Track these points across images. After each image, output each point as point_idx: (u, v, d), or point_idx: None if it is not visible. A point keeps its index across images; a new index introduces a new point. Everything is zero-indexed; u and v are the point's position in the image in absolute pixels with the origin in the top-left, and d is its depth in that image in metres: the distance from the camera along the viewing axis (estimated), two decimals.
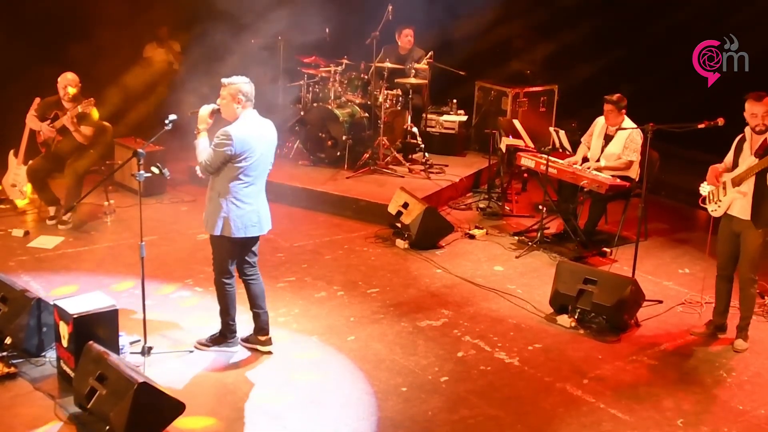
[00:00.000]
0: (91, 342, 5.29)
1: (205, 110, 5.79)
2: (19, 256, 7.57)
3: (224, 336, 6.13)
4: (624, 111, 8.18)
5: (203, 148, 5.74)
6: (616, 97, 8.16)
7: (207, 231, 5.90)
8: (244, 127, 5.69)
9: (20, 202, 8.67)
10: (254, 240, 6.01)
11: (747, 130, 6.33)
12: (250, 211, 5.83)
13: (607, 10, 11.32)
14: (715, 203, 6.48)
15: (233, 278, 6.02)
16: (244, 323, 6.21)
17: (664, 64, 10.63)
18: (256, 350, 6.13)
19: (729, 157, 6.47)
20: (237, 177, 5.72)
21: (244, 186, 5.77)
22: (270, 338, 6.16)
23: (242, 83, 5.71)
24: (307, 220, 8.93)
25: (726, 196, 6.39)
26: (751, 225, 6.27)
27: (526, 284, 7.54)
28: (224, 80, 5.76)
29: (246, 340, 6.19)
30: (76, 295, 5.93)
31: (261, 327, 6.13)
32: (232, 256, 5.96)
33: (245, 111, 5.74)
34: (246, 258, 6.04)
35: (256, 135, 5.74)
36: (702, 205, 6.64)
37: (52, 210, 8.35)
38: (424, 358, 6.19)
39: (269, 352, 6.11)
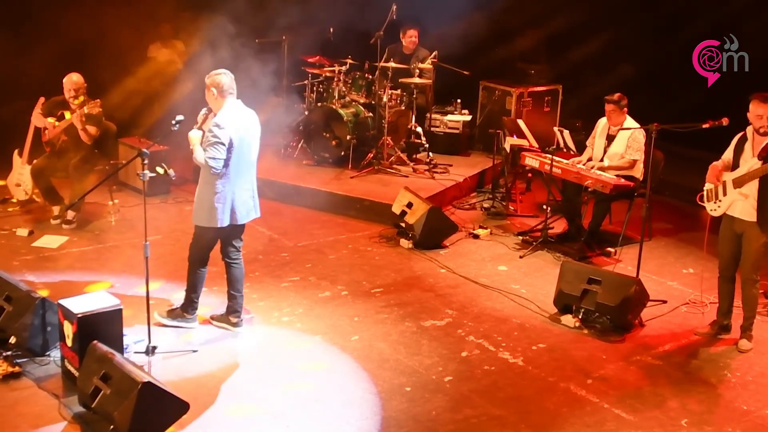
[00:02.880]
0: (95, 341, 5.31)
1: (196, 134, 5.98)
2: (24, 255, 7.58)
3: (185, 311, 6.37)
4: (626, 110, 8.17)
5: (201, 152, 5.93)
6: (616, 96, 8.13)
7: (207, 224, 6.08)
8: (228, 114, 5.96)
9: (24, 202, 8.68)
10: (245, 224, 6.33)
11: (749, 129, 6.31)
12: (249, 198, 6.18)
13: (609, 10, 11.30)
14: (715, 203, 6.46)
15: (207, 261, 6.30)
16: (217, 305, 6.43)
17: (666, 64, 10.63)
18: (225, 329, 6.39)
19: (728, 155, 6.44)
20: (234, 164, 5.96)
21: (239, 174, 6.04)
22: (242, 320, 6.42)
23: (219, 76, 5.99)
24: (311, 219, 8.93)
25: (726, 197, 6.37)
26: (754, 225, 6.25)
27: (530, 284, 7.54)
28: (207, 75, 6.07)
29: (217, 318, 6.46)
30: (80, 295, 5.95)
31: (235, 309, 6.40)
32: (213, 244, 6.25)
33: (227, 101, 6.00)
34: (233, 242, 6.31)
35: (241, 121, 6.02)
36: (699, 202, 6.63)
37: (56, 209, 8.36)
38: (428, 357, 6.19)
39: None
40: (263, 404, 5.49)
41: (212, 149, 5.84)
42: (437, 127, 10.88)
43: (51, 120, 8.23)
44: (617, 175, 8.07)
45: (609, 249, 8.25)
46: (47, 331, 5.84)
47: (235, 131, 5.91)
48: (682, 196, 9.56)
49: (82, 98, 8.09)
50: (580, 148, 8.86)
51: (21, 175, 8.60)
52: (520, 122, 9.55)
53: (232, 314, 6.40)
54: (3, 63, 9.78)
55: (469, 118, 11.03)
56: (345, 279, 7.47)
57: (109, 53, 10.04)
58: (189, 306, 6.38)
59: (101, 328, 5.51)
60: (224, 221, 6.05)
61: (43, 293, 6.10)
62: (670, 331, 6.78)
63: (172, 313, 6.41)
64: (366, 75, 10.32)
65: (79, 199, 8.05)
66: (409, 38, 10.44)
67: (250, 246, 7.99)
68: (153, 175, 5.77)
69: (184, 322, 6.37)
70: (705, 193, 6.54)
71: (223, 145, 5.85)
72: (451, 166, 10.23)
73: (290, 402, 5.52)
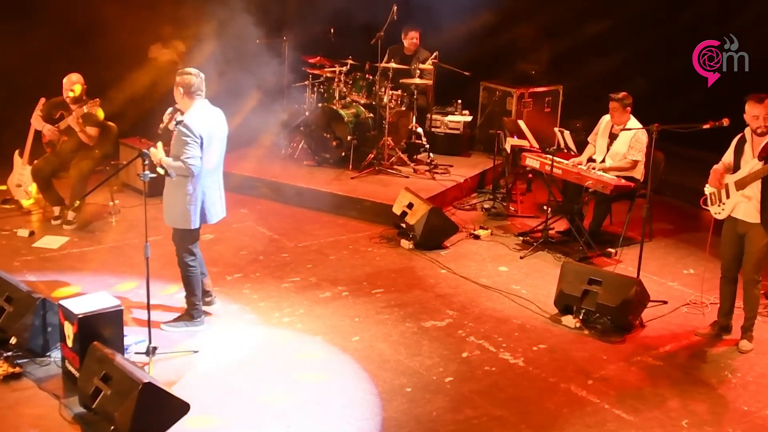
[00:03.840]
0: (96, 342, 5.31)
1: (157, 151, 5.93)
2: (24, 256, 7.58)
3: (191, 315, 6.40)
4: (629, 109, 8.18)
5: (171, 159, 5.95)
6: (621, 95, 8.15)
7: (180, 226, 6.15)
8: (195, 115, 5.98)
9: (25, 202, 8.68)
10: None
11: (747, 130, 6.31)
12: (217, 198, 6.24)
13: (610, 11, 11.30)
14: (718, 206, 6.46)
15: (195, 258, 6.32)
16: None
17: (667, 65, 10.62)
18: (206, 313, 6.53)
19: (728, 157, 6.44)
20: (204, 165, 5.99)
21: (208, 174, 6.08)
22: (214, 297, 6.64)
23: (189, 76, 6.02)
24: (311, 220, 8.93)
25: (730, 199, 6.37)
26: (757, 226, 6.25)
27: (531, 285, 7.54)
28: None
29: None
30: (81, 295, 5.95)
31: (206, 290, 6.54)
32: (193, 243, 6.29)
33: (195, 102, 6.03)
34: None
35: (208, 122, 6.04)
36: (703, 206, 6.63)
37: (56, 210, 8.36)
38: (428, 358, 6.19)
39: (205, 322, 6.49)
40: (264, 405, 5.49)
41: (188, 149, 5.85)
42: (438, 127, 10.87)
43: (50, 127, 8.23)
44: (618, 176, 8.07)
45: (609, 249, 8.24)
46: (48, 332, 5.84)
47: (203, 131, 5.94)
48: (683, 196, 9.58)
49: (79, 89, 8.08)
50: (581, 148, 8.86)
51: (22, 176, 8.60)
52: (521, 123, 9.55)
53: (206, 296, 6.55)
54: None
55: (469, 118, 11.03)
56: (345, 279, 7.47)
57: (109, 53, 10.03)
58: (192, 309, 6.39)
59: (102, 328, 5.51)
60: (196, 223, 6.11)
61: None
62: (671, 331, 6.78)
63: (178, 320, 6.41)
64: (366, 76, 10.32)
65: (79, 200, 8.05)
66: (411, 39, 10.44)
67: (251, 246, 8.01)
68: (153, 175, 5.76)
69: (192, 326, 6.38)
70: (708, 196, 6.54)
71: (197, 142, 5.88)
72: (451, 166, 10.23)
73: (291, 402, 5.52)
